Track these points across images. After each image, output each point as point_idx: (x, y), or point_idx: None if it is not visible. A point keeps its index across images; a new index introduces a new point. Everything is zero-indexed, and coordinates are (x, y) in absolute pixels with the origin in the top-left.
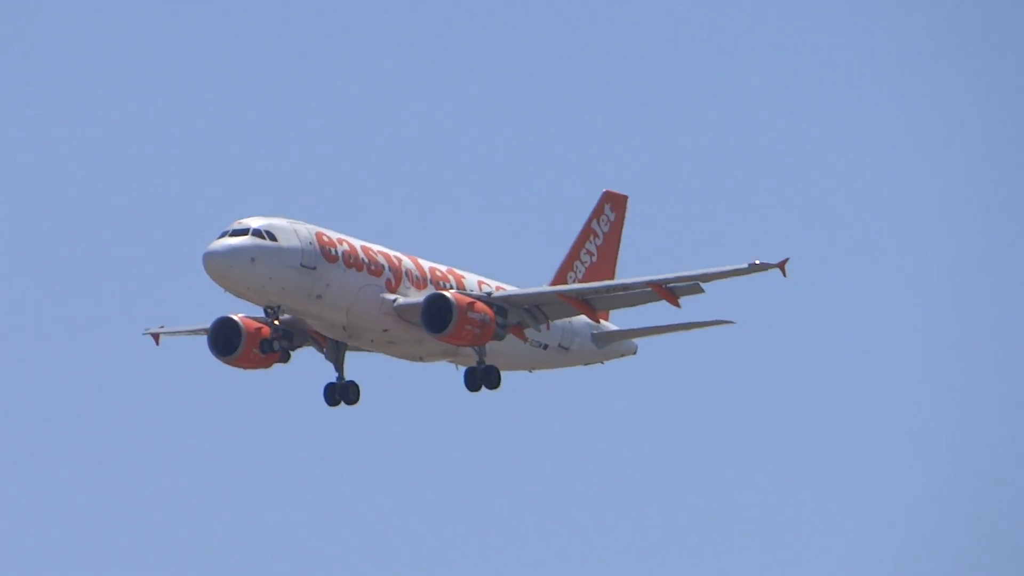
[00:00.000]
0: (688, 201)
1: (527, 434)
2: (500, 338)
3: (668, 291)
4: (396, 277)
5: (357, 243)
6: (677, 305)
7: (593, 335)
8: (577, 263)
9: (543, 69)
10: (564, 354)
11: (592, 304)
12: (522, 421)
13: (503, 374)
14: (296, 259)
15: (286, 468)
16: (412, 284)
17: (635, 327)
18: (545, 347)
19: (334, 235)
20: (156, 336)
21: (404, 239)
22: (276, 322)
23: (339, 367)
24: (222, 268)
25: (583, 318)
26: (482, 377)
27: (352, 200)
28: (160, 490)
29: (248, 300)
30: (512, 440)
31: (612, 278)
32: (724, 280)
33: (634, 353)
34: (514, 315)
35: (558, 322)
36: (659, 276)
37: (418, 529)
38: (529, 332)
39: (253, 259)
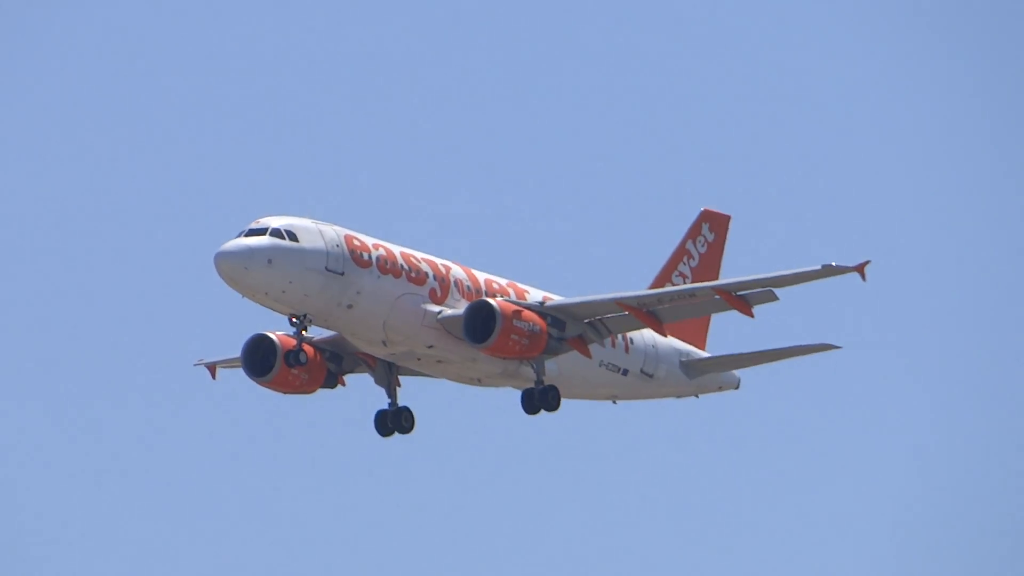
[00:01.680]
0: (798, 223)
1: (589, 464)
2: (557, 352)
3: (738, 299)
4: (443, 287)
5: (396, 249)
6: (750, 315)
7: (681, 363)
8: (668, 285)
9: (644, 80)
10: (648, 382)
11: (658, 316)
12: (585, 451)
13: (582, 403)
14: (320, 262)
15: (332, 503)
16: (462, 295)
17: (731, 353)
18: (625, 372)
19: (368, 239)
20: (212, 368)
21: (485, 257)
22: (304, 332)
23: (391, 392)
24: (234, 271)
25: (670, 343)
26: (539, 398)
27: (437, 217)
28: (207, 523)
29: (268, 307)
30: (573, 471)
31: None
32: (801, 288)
33: (735, 387)
34: (572, 328)
35: (640, 345)
36: (726, 281)
37: (476, 564)
38: (606, 355)
39: (270, 261)
